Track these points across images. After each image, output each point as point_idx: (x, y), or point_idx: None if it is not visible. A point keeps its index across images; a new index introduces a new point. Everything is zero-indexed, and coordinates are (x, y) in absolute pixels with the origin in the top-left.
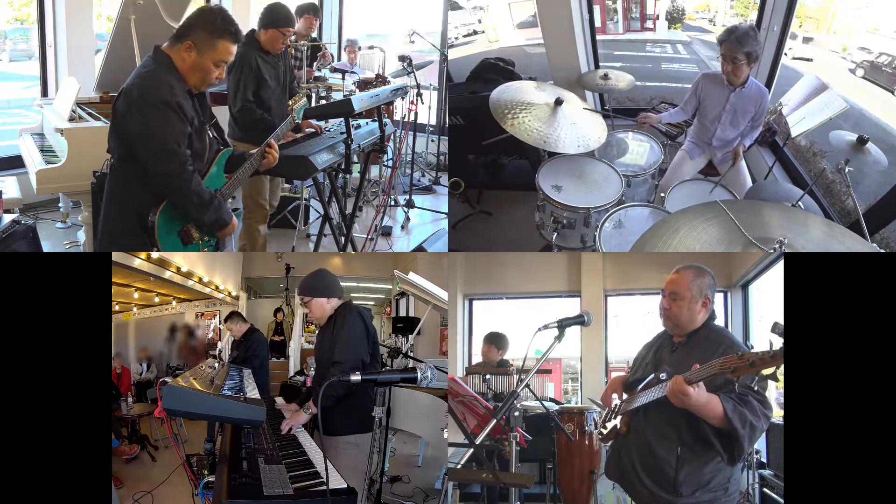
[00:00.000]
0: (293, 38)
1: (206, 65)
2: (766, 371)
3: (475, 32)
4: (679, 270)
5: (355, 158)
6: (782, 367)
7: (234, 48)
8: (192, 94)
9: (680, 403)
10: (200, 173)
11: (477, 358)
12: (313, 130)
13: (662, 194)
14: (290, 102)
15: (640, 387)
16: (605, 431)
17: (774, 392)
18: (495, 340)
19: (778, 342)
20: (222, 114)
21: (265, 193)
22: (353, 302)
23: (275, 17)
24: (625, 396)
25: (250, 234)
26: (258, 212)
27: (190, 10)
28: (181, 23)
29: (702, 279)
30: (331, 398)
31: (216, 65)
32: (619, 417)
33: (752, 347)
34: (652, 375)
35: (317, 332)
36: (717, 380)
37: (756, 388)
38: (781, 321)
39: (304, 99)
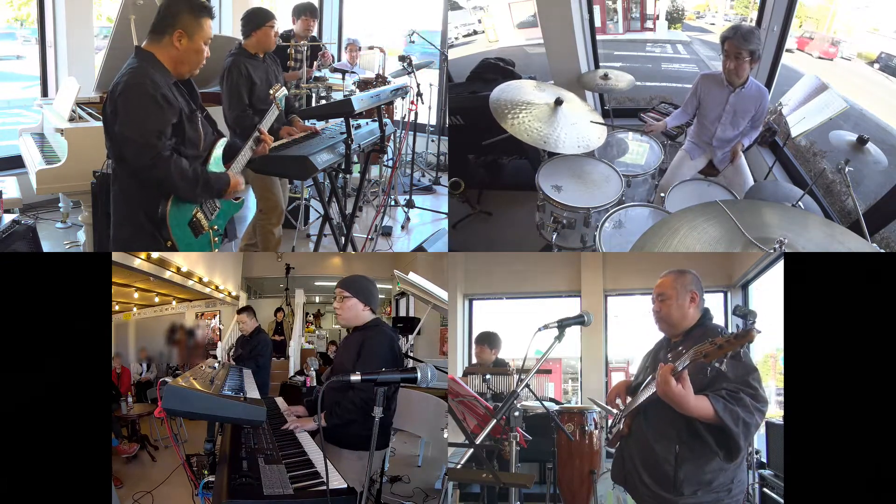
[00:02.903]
0: (293, 39)
1: (198, 47)
2: (732, 350)
3: (475, 32)
4: (663, 276)
5: (355, 158)
6: (746, 345)
7: (212, 23)
8: (178, 85)
9: (665, 395)
10: (199, 161)
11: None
12: (306, 133)
13: (662, 194)
14: (272, 91)
15: (641, 388)
16: (611, 437)
17: (774, 389)
18: (487, 340)
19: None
20: (217, 114)
21: (280, 194)
22: (385, 324)
23: (256, 18)
24: (629, 400)
25: (265, 235)
26: (274, 213)
27: None
28: (157, 18)
29: (684, 277)
30: (345, 417)
31: (205, 43)
32: (622, 420)
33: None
34: (651, 377)
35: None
36: (701, 374)
37: (749, 383)
38: (750, 308)
39: (284, 88)
